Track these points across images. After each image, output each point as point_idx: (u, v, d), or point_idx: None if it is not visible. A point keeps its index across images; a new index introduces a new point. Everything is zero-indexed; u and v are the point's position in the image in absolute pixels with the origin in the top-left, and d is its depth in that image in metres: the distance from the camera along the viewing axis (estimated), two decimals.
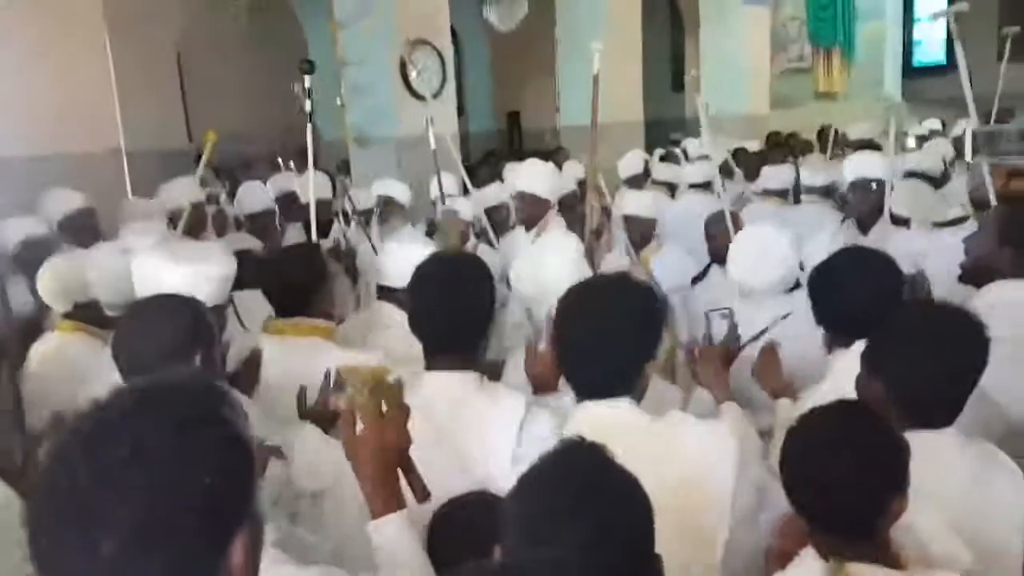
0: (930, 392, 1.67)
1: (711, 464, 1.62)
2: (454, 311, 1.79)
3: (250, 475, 0.94)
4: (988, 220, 2.78)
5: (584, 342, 1.71)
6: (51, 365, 2.62)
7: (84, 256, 2.93)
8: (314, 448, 2.01)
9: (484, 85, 13.49)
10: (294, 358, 2.35)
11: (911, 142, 8.49)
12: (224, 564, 0.89)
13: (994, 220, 2.70)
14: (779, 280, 2.81)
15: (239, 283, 2.44)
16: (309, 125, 3.89)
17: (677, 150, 8.19)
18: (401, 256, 2.63)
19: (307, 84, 3.83)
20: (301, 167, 6.36)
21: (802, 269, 2.83)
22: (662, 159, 7.68)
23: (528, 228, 4.20)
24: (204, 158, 4.01)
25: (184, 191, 4.44)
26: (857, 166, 4.10)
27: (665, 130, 11.24)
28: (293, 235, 4.82)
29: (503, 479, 1.45)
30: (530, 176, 4.25)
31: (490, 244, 4.30)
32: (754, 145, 7.96)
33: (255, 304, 2.75)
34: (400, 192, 5.02)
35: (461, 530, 1.48)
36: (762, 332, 2.47)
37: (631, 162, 6.48)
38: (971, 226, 3.21)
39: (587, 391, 1.74)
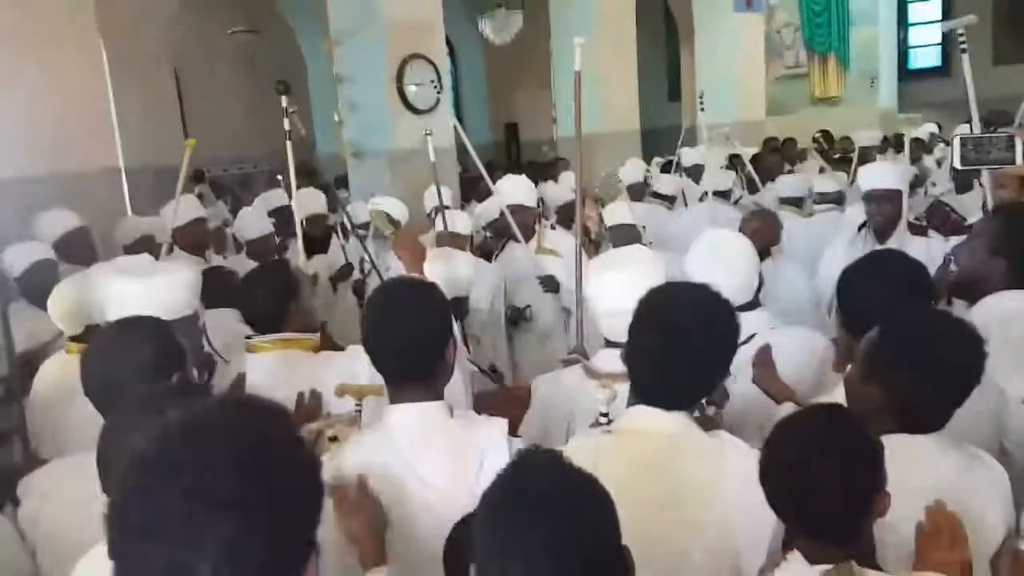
0: (925, 399, 1.68)
1: (752, 489, 1.56)
2: (412, 342, 1.74)
3: (320, 495, 0.95)
4: (978, 230, 2.73)
5: (665, 351, 1.63)
6: (58, 387, 2.62)
7: (88, 277, 2.93)
8: None
9: (481, 98, 13.55)
10: (283, 373, 2.36)
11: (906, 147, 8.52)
12: None
13: (985, 230, 2.63)
14: (734, 291, 2.52)
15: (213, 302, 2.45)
16: (289, 144, 3.91)
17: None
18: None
19: (284, 103, 3.83)
20: (300, 183, 6.38)
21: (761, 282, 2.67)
22: (663, 170, 7.68)
23: (527, 239, 4.23)
24: (184, 166, 4.01)
25: (186, 209, 4.44)
26: (872, 176, 4.00)
27: (661, 140, 11.28)
28: (294, 250, 4.83)
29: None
30: (509, 189, 4.44)
31: (487, 258, 4.31)
32: (748, 152, 7.97)
33: (223, 323, 2.76)
34: (395, 208, 5.02)
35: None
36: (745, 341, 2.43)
37: (631, 171, 6.49)
38: None
39: (652, 398, 1.67)
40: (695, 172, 7.08)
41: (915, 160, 7.68)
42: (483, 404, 2.49)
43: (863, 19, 14.10)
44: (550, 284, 4.07)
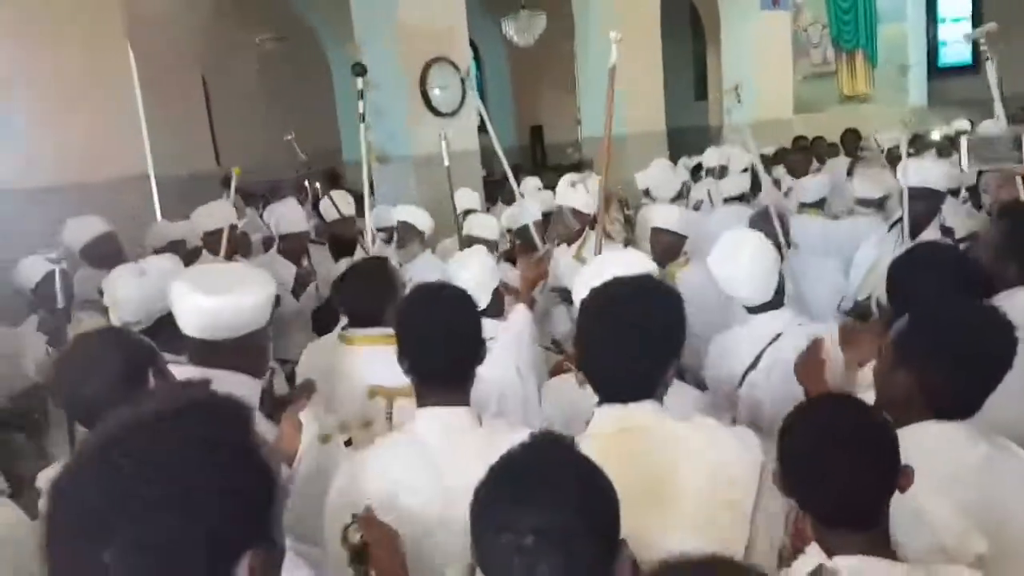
0: (954, 386, 1.67)
1: (735, 469, 1.60)
2: (444, 346, 1.77)
3: (263, 499, 0.94)
4: (989, 230, 2.74)
5: (608, 345, 1.68)
6: None
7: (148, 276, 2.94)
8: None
9: (505, 100, 13.57)
10: (359, 366, 2.43)
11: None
12: None
13: (995, 230, 2.64)
14: (754, 291, 2.62)
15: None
16: (362, 126, 3.99)
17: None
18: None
19: (359, 86, 3.93)
20: (326, 189, 6.42)
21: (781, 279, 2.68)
22: (694, 175, 7.58)
23: (570, 243, 4.24)
24: (231, 192, 4.08)
25: (219, 214, 4.49)
26: (916, 173, 3.92)
27: (688, 140, 11.23)
28: (319, 254, 4.87)
29: None
30: (565, 191, 4.36)
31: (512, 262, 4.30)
32: (771, 150, 7.90)
33: None
34: (418, 218, 5.01)
35: None
36: (757, 359, 2.44)
37: (656, 175, 6.40)
38: None
39: (611, 394, 1.71)
40: (720, 173, 7.02)
41: (946, 158, 7.57)
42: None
43: (891, 16, 13.95)
44: (564, 295, 4.04)
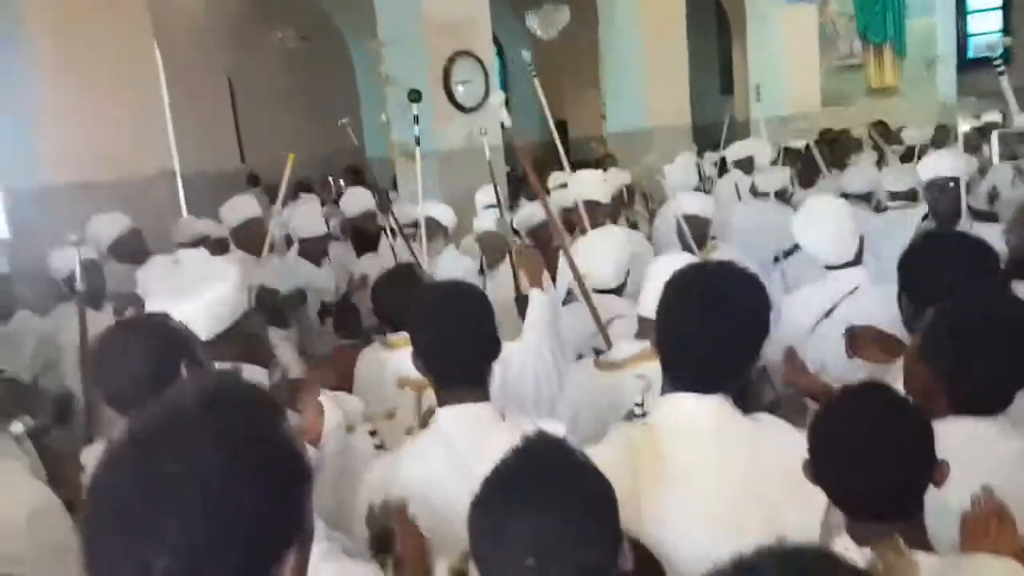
0: (983, 380, 1.64)
1: (797, 469, 1.51)
2: (459, 343, 1.77)
3: (302, 492, 0.92)
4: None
5: (692, 330, 1.58)
6: None
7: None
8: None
9: (529, 95, 13.52)
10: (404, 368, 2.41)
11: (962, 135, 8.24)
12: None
13: None
14: (837, 252, 2.90)
15: None
16: (417, 151, 4.17)
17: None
18: None
19: (414, 111, 4.19)
20: (349, 185, 6.44)
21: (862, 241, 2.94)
22: (721, 171, 7.51)
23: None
24: (285, 179, 4.09)
25: (245, 208, 4.54)
26: (928, 166, 4.05)
27: (714, 134, 11.15)
28: (338, 251, 4.88)
29: None
30: (585, 184, 4.40)
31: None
32: (798, 143, 7.79)
33: None
34: (443, 214, 5.02)
35: None
36: (832, 308, 2.44)
37: (680, 170, 6.36)
38: None
39: (682, 383, 1.61)
40: (746, 165, 6.94)
41: (974, 149, 7.44)
42: None
43: (919, 9, 13.73)
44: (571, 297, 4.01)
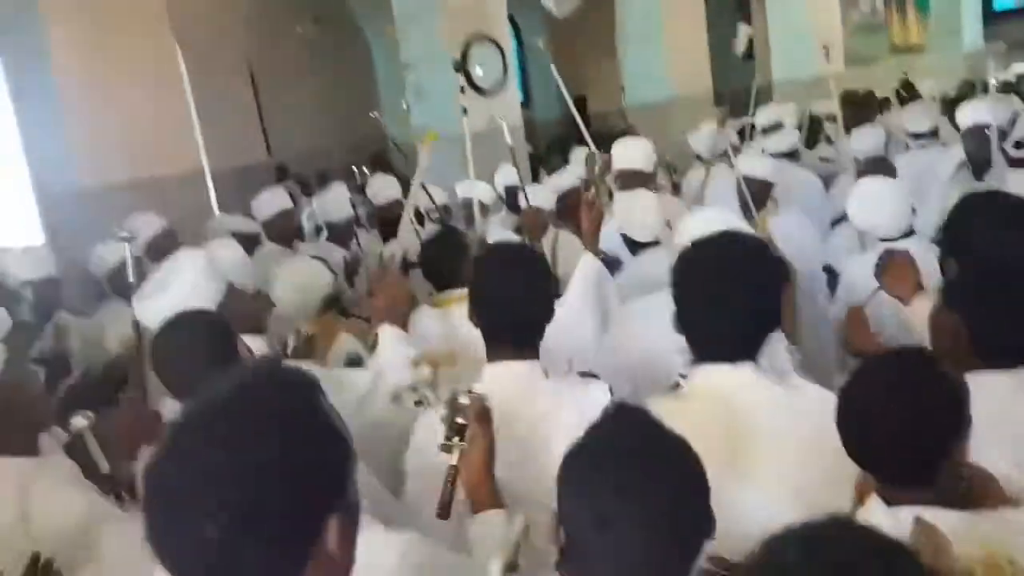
0: (1008, 331, 1.65)
1: (833, 434, 1.54)
2: (516, 302, 1.82)
3: (343, 463, 0.99)
4: None
5: (703, 304, 1.65)
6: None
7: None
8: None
9: (547, 73, 13.45)
10: (447, 328, 2.57)
11: (993, 87, 8.07)
12: (317, 549, 0.94)
13: None
14: (900, 223, 3.04)
15: None
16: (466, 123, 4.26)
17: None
18: None
19: (461, 82, 4.37)
20: (374, 173, 6.48)
21: (914, 212, 3.10)
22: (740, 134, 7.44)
23: None
24: (423, 163, 4.11)
25: (274, 201, 4.62)
26: (969, 114, 4.23)
27: (738, 101, 11.02)
28: (366, 238, 4.93)
29: None
30: (622, 152, 4.45)
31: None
32: (822, 107, 7.69)
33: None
34: (484, 193, 5.06)
35: None
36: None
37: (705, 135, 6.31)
38: None
39: (707, 354, 1.67)
40: (773, 131, 6.86)
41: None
42: None
43: None
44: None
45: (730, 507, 1.51)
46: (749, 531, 1.51)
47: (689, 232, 2.31)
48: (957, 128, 5.94)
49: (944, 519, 1.28)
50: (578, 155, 5.93)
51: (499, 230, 4.63)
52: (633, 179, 4.26)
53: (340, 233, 4.73)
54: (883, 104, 8.82)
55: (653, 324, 2.11)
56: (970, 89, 8.19)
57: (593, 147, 4.45)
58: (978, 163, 4.02)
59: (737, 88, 11.63)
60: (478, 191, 4.94)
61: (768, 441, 1.58)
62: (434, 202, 4.72)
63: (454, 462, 1.54)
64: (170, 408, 2.37)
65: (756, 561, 0.95)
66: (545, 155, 7.35)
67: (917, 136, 5.21)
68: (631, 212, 3.23)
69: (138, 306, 2.15)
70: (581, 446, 1.20)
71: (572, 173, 4.95)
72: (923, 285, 2.28)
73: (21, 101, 5.05)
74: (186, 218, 4.78)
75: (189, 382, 1.73)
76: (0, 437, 1.86)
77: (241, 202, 5.01)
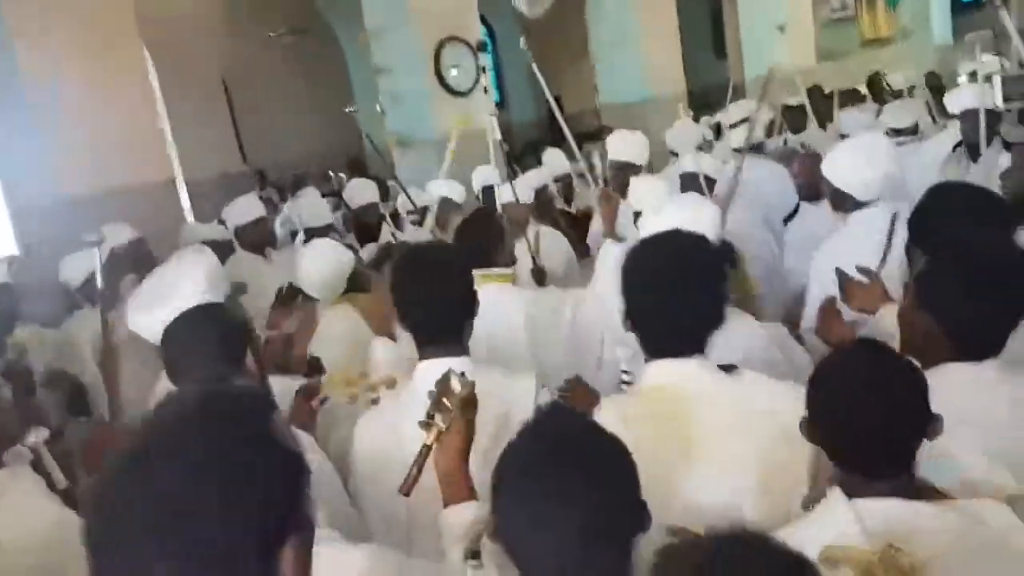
0: (978, 326, 1.66)
1: (783, 421, 1.58)
2: (435, 302, 1.87)
3: (295, 489, 0.96)
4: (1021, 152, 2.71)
5: (648, 303, 1.70)
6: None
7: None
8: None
9: (522, 74, 13.49)
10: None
11: (963, 80, 8.18)
12: (273, 573, 0.92)
13: None
14: (884, 183, 2.80)
15: None
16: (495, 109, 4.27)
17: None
18: None
19: (482, 63, 4.42)
20: (350, 178, 6.48)
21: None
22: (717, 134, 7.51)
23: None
24: (450, 148, 4.08)
25: (246, 209, 4.59)
26: (952, 99, 4.42)
27: (712, 99, 11.08)
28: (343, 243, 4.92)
29: None
30: (618, 143, 4.62)
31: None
32: (792, 100, 7.78)
33: None
34: (454, 190, 5.10)
35: None
36: (886, 252, 2.50)
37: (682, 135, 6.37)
38: None
39: (656, 350, 1.72)
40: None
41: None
42: None
43: None
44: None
45: (686, 499, 1.56)
46: (714, 509, 1.55)
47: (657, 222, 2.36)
48: (934, 119, 6.08)
49: (904, 511, 1.31)
50: (550, 156, 5.96)
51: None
52: (624, 171, 4.38)
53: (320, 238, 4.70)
54: (854, 98, 8.91)
55: None
56: (936, 81, 8.27)
57: (575, 146, 4.47)
58: (974, 146, 4.11)
59: (710, 86, 11.73)
60: (450, 189, 4.97)
61: (720, 432, 1.61)
62: (413, 203, 4.73)
63: (429, 442, 1.54)
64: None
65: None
66: (520, 156, 7.37)
67: (898, 132, 5.12)
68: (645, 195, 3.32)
69: (133, 317, 2.12)
70: (515, 447, 1.21)
71: (542, 173, 4.97)
72: (889, 296, 2.29)
73: None
74: (161, 227, 4.74)
75: (201, 376, 1.72)
76: None
77: (216, 209, 4.98)
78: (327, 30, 11.04)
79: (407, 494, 1.51)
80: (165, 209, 5.48)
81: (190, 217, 6.01)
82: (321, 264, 3.12)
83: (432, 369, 1.79)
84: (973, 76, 7.98)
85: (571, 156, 5.02)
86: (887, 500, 1.32)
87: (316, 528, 1.02)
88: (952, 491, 1.39)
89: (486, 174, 5.21)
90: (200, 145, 8.69)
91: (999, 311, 1.67)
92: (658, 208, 2.59)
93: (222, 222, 4.76)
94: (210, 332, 1.87)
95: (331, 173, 8.77)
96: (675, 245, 1.79)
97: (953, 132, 4.56)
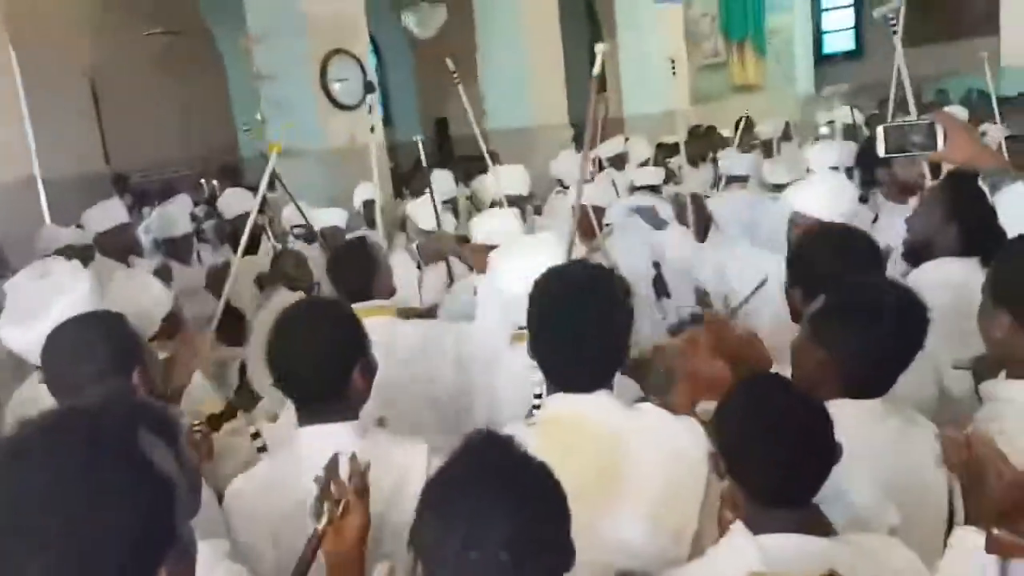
0: (869, 366, 1.72)
1: (686, 459, 1.62)
2: (313, 359, 1.70)
3: (168, 509, 0.92)
4: (931, 196, 2.78)
5: (553, 337, 1.67)
6: None
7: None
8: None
9: (408, 93, 13.46)
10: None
11: (824, 130, 8.76)
12: None
13: (938, 196, 2.66)
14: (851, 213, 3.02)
15: None
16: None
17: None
18: None
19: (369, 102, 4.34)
20: (224, 187, 6.25)
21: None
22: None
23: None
24: (266, 175, 3.82)
25: (111, 214, 4.37)
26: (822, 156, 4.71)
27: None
28: (209, 256, 4.76)
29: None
30: (509, 178, 4.84)
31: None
32: (672, 139, 8.10)
33: None
34: (338, 218, 5.03)
35: None
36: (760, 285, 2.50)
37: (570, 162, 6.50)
38: None
39: (561, 384, 1.70)
40: (618, 162, 7.16)
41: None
42: None
43: (778, 6, 14.47)
44: None
45: (599, 528, 1.55)
46: (617, 545, 1.56)
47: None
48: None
49: (806, 546, 1.34)
50: (436, 178, 5.94)
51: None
52: (516, 203, 4.58)
53: (178, 249, 4.52)
54: (723, 141, 9.36)
55: None
56: (789, 131, 8.84)
57: (491, 162, 4.57)
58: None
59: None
60: (330, 217, 4.89)
61: (627, 464, 1.61)
62: (305, 217, 4.59)
63: (321, 528, 1.43)
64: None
65: None
66: (408, 174, 7.32)
67: (777, 187, 5.23)
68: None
69: (5, 332, 1.94)
70: (444, 472, 1.18)
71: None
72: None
73: None
74: (17, 228, 4.44)
75: (86, 389, 1.63)
76: None
77: (76, 212, 4.70)
78: (205, 32, 10.67)
79: None
80: (22, 208, 5.13)
81: (48, 219, 5.63)
82: (126, 299, 2.67)
83: (318, 435, 1.67)
84: (830, 124, 8.60)
85: (458, 179, 5.05)
86: (789, 536, 1.35)
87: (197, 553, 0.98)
88: (845, 525, 1.43)
89: (367, 190, 5.16)
90: (62, 144, 8.21)
91: (893, 357, 1.72)
92: (508, 247, 2.64)
93: (80, 226, 4.50)
94: (97, 343, 1.75)
95: (202, 181, 8.46)
96: (589, 274, 1.76)
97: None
